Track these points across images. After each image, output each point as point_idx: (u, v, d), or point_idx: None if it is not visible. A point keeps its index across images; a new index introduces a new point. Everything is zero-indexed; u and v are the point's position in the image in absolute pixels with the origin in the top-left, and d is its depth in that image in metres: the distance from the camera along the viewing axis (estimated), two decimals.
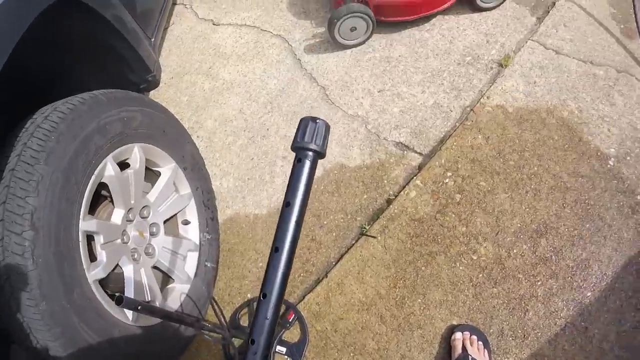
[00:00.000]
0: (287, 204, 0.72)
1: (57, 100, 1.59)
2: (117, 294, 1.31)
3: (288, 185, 0.74)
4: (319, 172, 2.36)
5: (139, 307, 1.37)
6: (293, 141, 0.75)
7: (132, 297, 1.73)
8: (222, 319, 1.76)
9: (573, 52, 2.56)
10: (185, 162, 2.05)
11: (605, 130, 2.23)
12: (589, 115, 2.29)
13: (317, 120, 0.74)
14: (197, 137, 2.66)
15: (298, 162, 0.73)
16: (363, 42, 2.84)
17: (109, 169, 1.67)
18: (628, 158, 2.14)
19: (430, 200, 2.18)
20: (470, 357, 1.73)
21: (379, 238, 2.14)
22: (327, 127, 0.76)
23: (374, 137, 2.43)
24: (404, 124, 2.44)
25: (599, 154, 2.17)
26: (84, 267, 1.54)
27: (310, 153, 0.73)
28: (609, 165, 2.14)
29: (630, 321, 1.80)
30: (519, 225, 2.05)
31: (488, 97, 2.43)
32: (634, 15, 2.68)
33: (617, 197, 2.05)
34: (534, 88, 2.43)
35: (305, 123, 0.75)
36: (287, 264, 0.74)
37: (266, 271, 0.74)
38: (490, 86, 2.48)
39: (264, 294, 0.72)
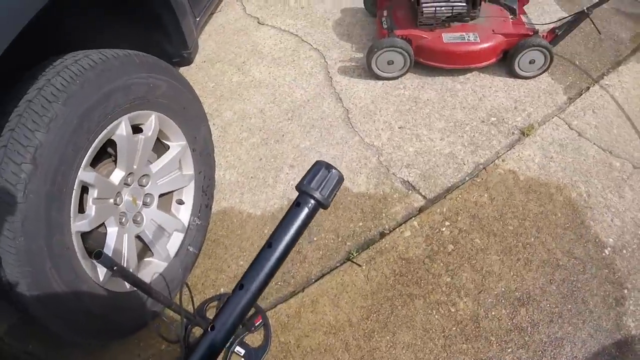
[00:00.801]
0: (269, 245, 0.66)
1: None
2: (97, 250, 1.29)
3: (278, 225, 0.68)
4: None
5: (115, 268, 1.34)
6: (300, 181, 0.68)
7: None
8: (192, 304, 1.73)
9: (595, 139, 2.56)
10: (196, 143, 2.03)
11: (608, 220, 2.22)
12: (596, 202, 2.28)
13: (332, 170, 0.68)
14: (213, 124, 2.66)
15: (297, 205, 0.66)
16: (396, 78, 2.86)
17: (121, 128, 1.65)
18: (624, 251, 2.12)
19: (422, 244, 2.16)
20: None
21: (364, 267, 2.11)
22: (340, 180, 0.70)
23: (383, 169, 2.42)
24: (415, 165, 2.43)
25: (597, 240, 2.15)
26: (71, 215, 1.52)
27: (313, 202, 0.66)
28: (604, 254, 2.12)
29: None
30: (503, 289, 2.02)
31: (503, 160, 2.43)
32: None
33: (604, 286, 2.03)
34: (549, 162, 2.43)
35: (318, 167, 0.68)
36: (248, 304, 0.67)
37: (224, 304, 0.68)
38: (508, 150, 2.48)
39: (212, 326, 0.65)
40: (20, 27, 1.31)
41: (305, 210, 0.66)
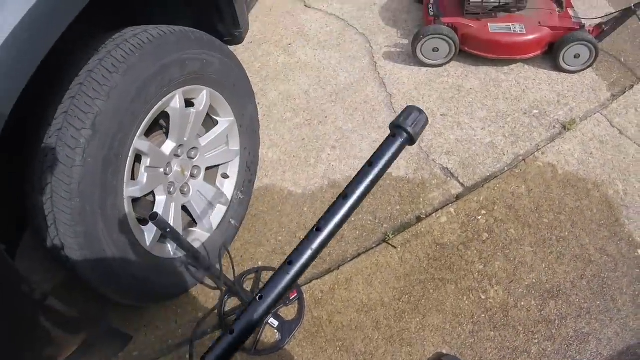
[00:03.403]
0: (370, 164, 0.73)
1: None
2: (154, 212, 1.33)
3: (375, 152, 0.75)
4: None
5: (168, 230, 1.39)
6: (394, 120, 0.76)
7: None
8: (232, 271, 1.77)
9: (636, 137, 2.52)
10: (243, 120, 2.06)
11: None
12: (632, 200, 2.25)
13: (422, 113, 0.76)
14: (258, 104, 2.65)
15: (392, 137, 0.75)
16: (440, 65, 2.84)
17: (175, 101, 1.70)
18: None
19: (458, 231, 2.17)
20: None
21: (399, 250, 2.13)
22: (426, 122, 0.78)
23: (423, 155, 2.42)
24: (455, 152, 2.42)
25: (630, 239, 2.13)
26: (124, 181, 1.57)
27: (405, 135, 0.74)
28: (636, 254, 2.09)
29: None
30: (534, 280, 2.02)
31: (542, 153, 2.41)
32: None
33: (635, 286, 2.01)
34: (588, 158, 2.40)
35: (410, 110, 0.76)
36: (321, 245, 0.71)
37: (300, 244, 0.71)
38: (548, 144, 2.46)
39: (289, 261, 0.69)
40: None
41: (400, 141, 0.74)
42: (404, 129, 0.74)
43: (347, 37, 3.09)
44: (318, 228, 0.70)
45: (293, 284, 0.70)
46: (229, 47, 2.51)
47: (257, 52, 3.04)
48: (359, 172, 0.73)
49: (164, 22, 1.74)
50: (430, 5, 2.93)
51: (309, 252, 0.69)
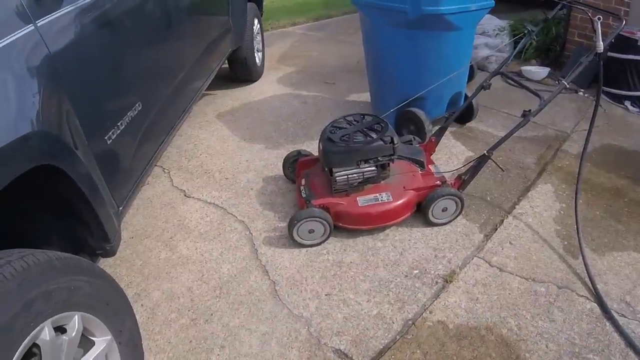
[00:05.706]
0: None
1: (14, 250, 1.61)
2: None
3: None
4: None
5: None
6: None
7: None
8: None
9: (516, 270, 2.69)
10: (122, 336, 2.00)
11: (543, 347, 2.26)
12: (527, 332, 2.34)
13: None
14: (141, 305, 2.61)
15: None
16: (319, 244, 2.97)
17: (44, 333, 1.63)
18: None
19: None
20: None
21: None
22: None
23: (314, 340, 2.39)
24: (346, 332, 2.43)
25: None
26: None
27: None
28: None
29: None
30: None
31: (430, 312, 2.48)
32: (576, 233, 2.88)
33: None
34: (475, 305, 2.50)
35: None
36: None
37: None
38: (434, 301, 2.54)
39: None
40: None
41: None
42: None
43: (227, 226, 3.18)
44: None
45: None
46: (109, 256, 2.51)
47: (138, 248, 3.03)
48: None
49: (40, 236, 1.72)
50: (302, 187, 3.12)
51: None
